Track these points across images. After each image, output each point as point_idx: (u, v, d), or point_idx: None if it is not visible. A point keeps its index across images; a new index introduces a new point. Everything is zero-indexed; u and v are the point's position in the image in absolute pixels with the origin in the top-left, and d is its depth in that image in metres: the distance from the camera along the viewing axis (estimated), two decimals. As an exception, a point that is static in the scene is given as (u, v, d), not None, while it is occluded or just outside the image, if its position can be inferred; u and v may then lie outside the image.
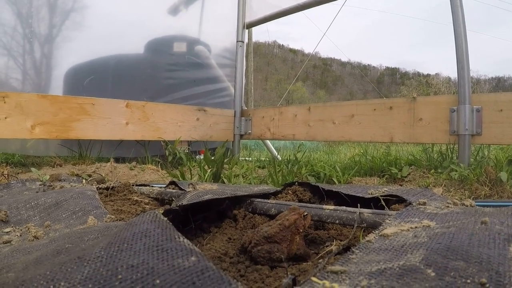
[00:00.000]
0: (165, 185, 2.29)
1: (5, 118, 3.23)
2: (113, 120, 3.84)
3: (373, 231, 0.83)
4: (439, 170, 2.78)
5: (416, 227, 0.82)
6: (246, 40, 5.39)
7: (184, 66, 4.95)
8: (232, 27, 5.09)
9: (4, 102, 3.22)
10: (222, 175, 2.94)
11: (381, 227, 0.85)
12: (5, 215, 1.24)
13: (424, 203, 1.05)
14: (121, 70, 4.54)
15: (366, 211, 1.01)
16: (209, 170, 2.87)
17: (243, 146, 7.39)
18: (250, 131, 4.84)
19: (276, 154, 5.82)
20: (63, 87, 4.26)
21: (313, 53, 21.81)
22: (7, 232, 1.18)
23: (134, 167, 3.50)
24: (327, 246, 1.03)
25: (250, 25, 5.19)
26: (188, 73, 4.97)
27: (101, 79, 4.38)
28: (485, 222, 0.81)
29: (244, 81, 5.26)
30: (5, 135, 3.25)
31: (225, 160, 3.32)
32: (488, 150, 3.34)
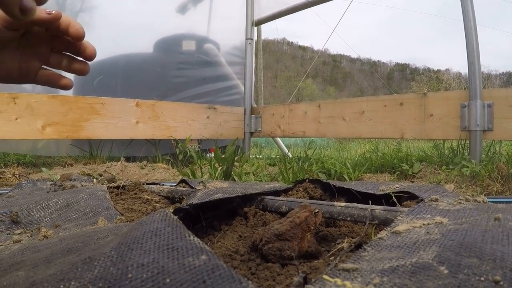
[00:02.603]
0: (175, 183, 2.30)
1: (16, 119, 3.25)
2: (123, 119, 3.86)
3: (385, 228, 0.82)
4: (451, 167, 2.75)
5: (428, 224, 0.81)
6: (255, 38, 5.38)
7: (193, 65, 4.95)
8: (240, 25, 5.09)
9: (15, 103, 3.24)
10: (232, 172, 2.94)
11: (393, 223, 0.84)
12: (16, 216, 1.25)
13: (436, 200, 1.04)
14: (131, 69, 4.55)
15: (377, 208, 1.00)
16: (219, 168, 2.87)
17: (253, 144, 7.39)
18: (260, 129, 4.83)
19: (287, 151, 5.82)
20: (73, 87, 4.28)
21: (323, 49, 21.75)
22: (18, 233, 1.18)
23: (145, 166, 3.51)
24: (338, 244, 1.02)
25: (258, 23, 5.19)
26: (197, 71, 4.97)
27: (111, 78, 4.39)
28: (499, 219, 0.80)
29: (253, 79, 5.26)
30: (16, 136, 3.28)
31: (236, 158, 3.32)
32: (500, 145, 3.31)
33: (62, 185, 1.74)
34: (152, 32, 4.75)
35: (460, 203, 1.03)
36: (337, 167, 3.14)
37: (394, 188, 1.28)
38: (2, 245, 1.09)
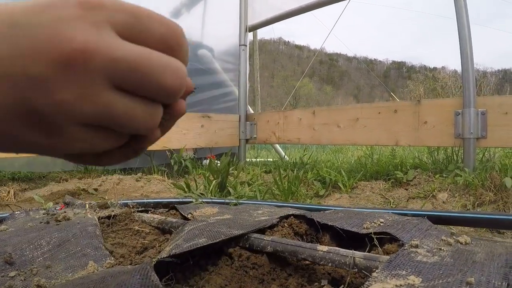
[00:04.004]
0: (167, 200, 2.30)
1: (9, 135, 3.23)
2: (117, 132, 3.83)
3: None
4: (444, 175, 2.76)
5: (400, 285, 0.81)
6: (249, 43, 5.37)
7: (187, 73, 4.93)
8: (235, 30, 5.08)
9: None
10: (227, 184, 2.94)
11: (366, 283, 0.84)
12: (9, 257, 1.26)
13: (416, 246, 1.04)
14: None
15: (358, 255, 1.00)
16: (214, 181, 2.87)
17: (250, 147, 7.38)
18: (255, 136, 4.83)
19: (284, 155, 5.82)
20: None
21: (320, 49, 21.78)
22: (12, 277, 1.18)
23: (140, 178, 3.50)
24: (323, 286, 1.03)
25: (252, 28, 5.18)
26: (192, 79, 4.94)
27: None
28: (471, 284, 0.80)
29: (248, 85, 5.25)
30: (9, 154, 3.25)
31: (230, 169, 3.32)
32: (494, 153, 3.32)
33: (55, 214, 1.74)
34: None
35: (440, 249, 1.03)
36: (332, 176, 3.15)
37: (379, 224, 1.28)
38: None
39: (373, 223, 1.30)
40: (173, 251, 1.03)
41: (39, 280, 1.10)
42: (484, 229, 1.81)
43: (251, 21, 5.07)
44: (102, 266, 1.19)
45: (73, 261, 1.24)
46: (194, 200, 2.27)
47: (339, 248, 1.06)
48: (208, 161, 4.39)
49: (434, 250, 1.02)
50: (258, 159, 5.86)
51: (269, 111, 5.13)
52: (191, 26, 5.21)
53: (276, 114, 4.59)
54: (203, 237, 1.14)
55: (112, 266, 1.19)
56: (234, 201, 2.28)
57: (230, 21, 5.14)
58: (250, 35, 5.33)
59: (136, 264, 1.22)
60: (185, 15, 5.14)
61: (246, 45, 5.07)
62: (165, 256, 1.00)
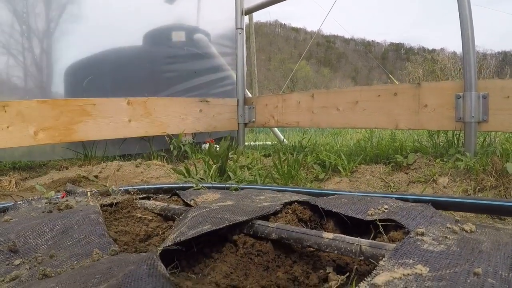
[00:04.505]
0: (168, 185, 2.29)
1: (7, 127, 3.21)
2: (115, 118, 3.83)
3: (364, 279, 0.81)
4: (445, 159, 2.75)
5: (408, 275, 0.80)
6: (245, 26, 5.31)
7: (184, 57, 4.88)
8: (232, 13, 5.02)
9: (5, 111, 3.20)
10: (227, 168, 2.93)
11: (374, 271, 0.83)
12: (13, 245, 1.25)
13: (422, 234, 1.03)
14: (121, 64, 4.48)
15: (364, 243, 0.99)
16: (214, 166, 2.86)
17: (248, 130, 7.36)
18: (254, 119, 4.81)
19: (283, 138, 5.81)
20: (64, 86, 4.23)
21: (316, 31, 21.61)
22: (16, 265, 1.18)
23: (140, 164, 3.49)
24: (328, 273, 1.03)
25: (249, 11, 5.13)
26: (189, 64, 4.91)
27: (101, 76, 4.33)
28: (478, 274, 0.79)
29: (245, 69, 5.22)
30: (9, 144, 3.24)
31: (230, 153, 3.30)
32: (495, 138, 3.30)
33: (57, 203, 1.73)
34: (141, 23, 4.65)
35: (446, 237, 1.02)
36: (332, 159, 3.14)
37: (384, 211, 1.27)
38: (3, 279, 1.09)
39: (377, 210, 1.29)
40: (178, 238, 1.02)
41: (45, 269, 1.09)
42: (485, 215, 1.81)
43: (247, 4, 5.01)
44: (106, 254, 1.18)
45: (78, 249, 1.23)
46: (194, 185, 2.27)
47: (345, 236, 1.06)
48: (207, 145, 4.39)
49: (440, 238, 1.02)
50: (256, 143, 5.85)
51: (267, 95, 5.11)
52: (187, 11, 5.16)
53: (275, 97, 4.56)
54: (207, 223, 1.14)
55: (117, 254, 1.18)
56: (234, 185, 2.27)
57: (225, 4, 5.08)
58: (246, 19, 5.28)
59: (141, 252, 1.21)
60: (180, 0, 5.08)
61: (242, 29, 5.02)
62: (170, 244, 0.99)
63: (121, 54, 4.55)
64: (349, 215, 1.27)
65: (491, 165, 2.29)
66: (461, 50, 2.97)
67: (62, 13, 4.16)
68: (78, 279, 0.93)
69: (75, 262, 1.16)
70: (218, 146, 4.02)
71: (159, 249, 0.92)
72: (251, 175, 2.94)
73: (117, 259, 1.06)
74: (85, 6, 4.25)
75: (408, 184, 2.59)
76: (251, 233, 1.19)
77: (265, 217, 1.29)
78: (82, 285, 0.85)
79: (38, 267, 1.15)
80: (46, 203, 1.89)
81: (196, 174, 2.85)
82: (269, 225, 1.18)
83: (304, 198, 1.52)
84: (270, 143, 5.86)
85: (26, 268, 1.17)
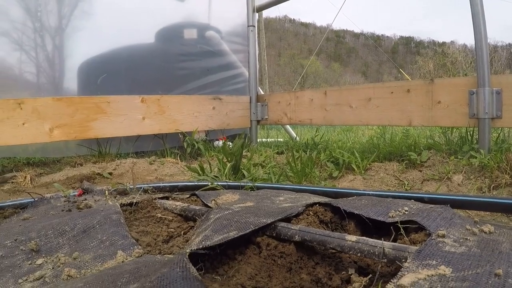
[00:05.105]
0: (185, 183, 2.32)
1: (23, 124, 3.26)
2: (129, 116, 3.88)
3: (391, 280, 0.84)
4: (459, 156, 2.75)
5: (432, 276, 0.82)
6: (256, 23, 5.32)
7: (196, 55, 4.90)
8: (243, 9, 5.03)
9: (21, 109, 3.25)
10: (241, 166, 2.95)
11: (399, 273, 0.85)
12: (35, 244, 1.28)
13: (443, 236, 1.06)
14: (134, 62, 4.52)
15: (387, 245, 1.02)
16: (228, 164, 2.89)
17: (260, 127, 7.40)
18: (266, 117, 4.83)
19: (295, 135, 5.81)
20: (77, 83, 4.28)
21: (326, 25, 21.53)
22: (39, 264, 1.21)
23: (154, 161, 3.53)
24: (350, 274, 1.05)
25: (260, 8, 5.14)
26: (201, 62, 4.93)
27: (115, 73, 4.37)
28: (499, 275, 0.81)
29: (258, 66, 5.23)
30: (25, 140, 3.29)
31: (243, 151, 3.33)
32: (509, 134, 3.29)
33: (76, 201, 1.77)
34: (153, 21, 4.66)
35: (466, 239, 1.04)
36: (345, 156, 3.15)
37: (404, 212, 1.29)
38: (26, 279, 1.13)
39: (398, 211, 1.32)
40: (204, 243, 1.05)
41: (70, 270, 1.12)
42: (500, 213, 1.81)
43: (258, 1, 5.02)
44: (130, 256, 1.21)
45: (102, 250, 1.26)
46: (209, 183, 2.29)
47: (368, 238, 1.08)
48: (220, 142, 4.41)
49: (460, 240, 1.04)
50: (268, 139, 5.86)
51: (280, 92, 5.12)
52: (198, 8, 5.17)
53: (287, 94, 4.58)
54: (232, 228, 1.16)
55: (141, 256, 1.21)
56: (250, 184, 2.29)
57: (236, 1, 5.09)
58: (256, 19, 5.28)
59: (165, 254, 1.24)
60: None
61: (254, 26, 5.04)
62: (196, 248, 1.02)
63: (134, 52, 4.58)
64: (371, 217, 1.30)
65: (505, 162, 2.29)
66: (472, 43, 2.97)
67: (73, 10, 4.21)
68: (106, 279, 0.96)
69: (99, 263, 1.19)
70: (231, 144, 4.05)
71: (187, 251, 0.95)
72: (265, 173, 2.96)
73: (142, 260, 1.09)
74: (96, 3, 4.29)
75: (422, 182, 2.59)
76: (274, 235, 1.21)
77: (287, 219, 1.31)
78: (111, 284, 0.88)
79: (62, 268, 1.18)
80: (64, 201, 1.93)
81: (211, 172, 2.88)
82: (292, 227, 1.20)
83: (325, 199, 1.54)
84: (282, 139, 5.87)
85: (49, 268, 1.20)
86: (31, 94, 3.92)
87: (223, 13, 5.27)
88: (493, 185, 2.24)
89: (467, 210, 1.80)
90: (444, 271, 0.84)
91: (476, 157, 2.53)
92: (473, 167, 2.49)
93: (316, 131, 4.82)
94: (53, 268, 1.18)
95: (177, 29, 4.92)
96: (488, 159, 2.42)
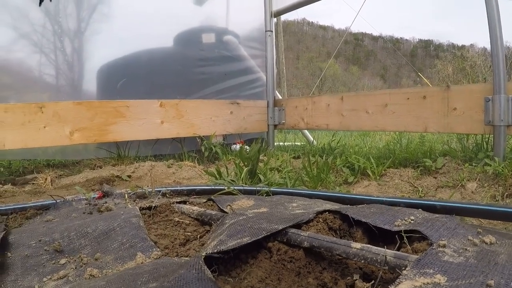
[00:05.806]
0: (203, 187, 2.38)
1: (44, 127, 3.37)
2: (148, 120, 3.97)
3: (388, 287, 0.88)
4: (474, 163, 2.76)
5: (427, 284, 0.86)
6: (274, 26, 5.36)
7: (214, 60, 4.97)
8: (261, 14, 5.08)
9: (42, 112, 3.36)
10: (257, 170, 3.00)
11: (397, 280, 0.90)
12: (59, 245, 1.35)
13: (444, 246, 1.10)
14: (153, 66, 4.59)
15: (389, 253, 1.06)
16: (245, 168, 2.94)
17: (277, 130, 7.44)
18: (283, 121, 4.88)
19: (312, 139, 5.84)
20: (97, 85, 4.37)
21: (344, 28, 21.50)
22: (62, 264, 1.28)
23: (172, 164, 3.60)
24: (355, 280, 1.10)
25: (278, 14, 5.18)
26: (219, 66, 5.00)
27: (134, 77, 4.45)
28: (490, 286, 0.85)
29: (275, 71, 5.28)
30: (45, 143, 3.41)
31: (260, 155, 3.38)
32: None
33: (97, 204, 1.84)
34: (171, 25, 4.72)
35: (466, 250, 1.08)
36: (361, 162, 3.17)
37: (410, 221, 1.34)
38: (50, 278, 1.19)
39: (404, 220, 1.36)
40: (219, 247, 1.10)
41: (92, 270, 1.19)
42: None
43: (276, 6, 5.07)
44: (149, 257, 1.28)
45: (122, 252, 1.33)
46: (226, 187, 2.35)
47: (372, 246, 1.13)
48: (237, 146, 4.47)
49: (460, 251, 1.08)
50: (285, 143, 5.90)
51: (297, 97, 5.16)
52: (216, 13, 5.23)
53: (304, 99, 4.62)
54: (245, 233, 1.22)
55: (159, 258, 1.27)
56: (265, 188, 2.34)
57: (254, 6, 5.13)
58: (273, 24, 5.33)
59: (182, 256, 1.30)
60: (209, 1, 5.15)
61: (272, 31, 5.09)
62: (211, 252, 1.07)
63: (153, 56, 4.66)
64: (378, 226, 1.34)
65: (520, 171, 2.30)
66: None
67: (92, 13, 4.31)
68: (127, 278, 1.03)
69: (120, 264, 1.25)
70: (248, 148, 4.10)
71: (203, 254, 1.01)
72: (281, 177, 3.00)
73: (160, 262, 1.15)
74: (115, 6, 4.38)
75: (436, 189, 2.61)
76: (285, 240, 1.27)
77: (298, 225, 1.36)
78: (132, 283, 0.95)
79: (84, 268, 1.25)
80: (86, 204, 2.00)
81: (227, 176, 2.93)
82: (302, 234, 1.25)
83: (336, 207, 1.59)
84: (299, 143, 5.90)
85: (72, 268, 1.26)
86: (50, 96, 4.03)
87: (241, 17, 5.33)
88: (506, 193, 2.26)
89: (479, 219, 1.82)
90: (439, 280, 0.88)
91: (490, 165, 2.54)
92: (487, 174, 2.50)
93: (333, 136, 4.85)
94: (75, 267, 1.25)
95: (195, 33, 4.99)
96: (503, 167, 2.43)
